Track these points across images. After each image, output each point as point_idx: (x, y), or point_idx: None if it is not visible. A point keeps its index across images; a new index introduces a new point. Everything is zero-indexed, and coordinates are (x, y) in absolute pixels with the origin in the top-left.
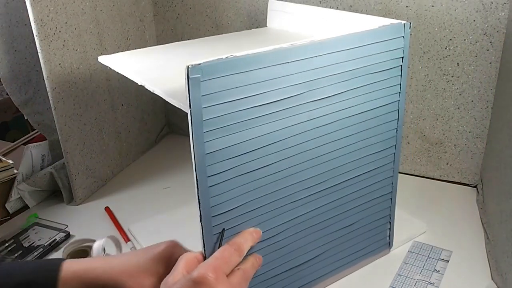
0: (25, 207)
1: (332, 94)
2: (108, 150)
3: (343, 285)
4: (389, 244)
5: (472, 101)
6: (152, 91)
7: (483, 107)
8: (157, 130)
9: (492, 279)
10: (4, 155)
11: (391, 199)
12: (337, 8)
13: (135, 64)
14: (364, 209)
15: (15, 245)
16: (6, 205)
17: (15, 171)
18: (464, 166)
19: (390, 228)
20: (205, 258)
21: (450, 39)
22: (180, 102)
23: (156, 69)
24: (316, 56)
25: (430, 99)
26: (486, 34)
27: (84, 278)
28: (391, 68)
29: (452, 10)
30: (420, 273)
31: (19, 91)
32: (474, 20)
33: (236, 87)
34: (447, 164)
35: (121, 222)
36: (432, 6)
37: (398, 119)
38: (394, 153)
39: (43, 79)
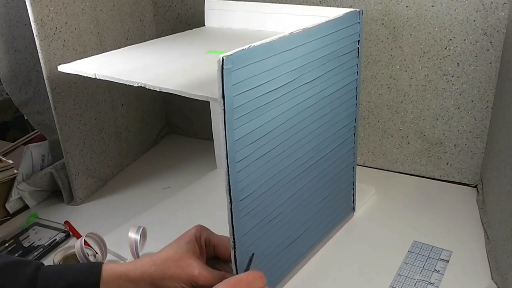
0: (25, 207)
1: (316, 77)
2: (108, 150)
3: (342, 284)
4: (353, 209)
5: (472, 101)
6: (159, 90)
7: (483, 107)
8: (157, 130)
9: (492, 279)
10: (4, 155)
11: (353, 167)
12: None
13: (112, 67)
14: (337, 179)
15: (15, 245)
16: (6, 205)
17: (15, 171)
18: (464, 166)
19: (353, 194)
20: (234, 244)
21: (450, 39)
22: (206, 94)
23: (139, 70)
24: (305, 43)
25: (430, 99)
26: (486, 34)
27: (129, 276)
28: (352, 51)
29: (452, 10)
30: (420, 273)
31: (19, 91)
32: (474, 20)
33: (255, 75)
34: (447, 164)
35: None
36: (432, 6)
37: (357, 95)
38: (355, 126)
39: (43, 79)
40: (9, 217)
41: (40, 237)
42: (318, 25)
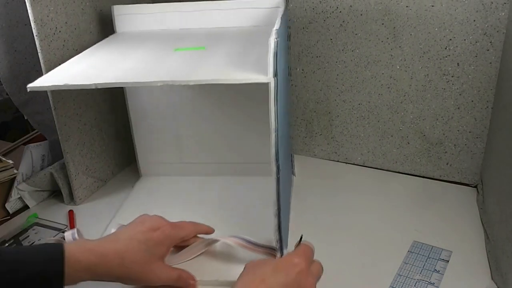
0: (25, 207)
1: (285, 57)
2: (108, 150)
3: (342, 284)
4: (294, 174)
5: (472, 101)
6: (193, 83)
7: (483, 107)
8: None
9: (492, 279)
10: (4, 155)
11: (290, 136)
12: (337, 8)
13: (103, 73)
14: (288, 149)
15: (15, 245)
16: (6, 205)
17: (15, 171)
18: (464, 166)
19: (292, 160)
20: (279, 212)
21: (450, 39)
22: (254, 77)
23: (138, 70)
24: (283, 29)
25: (430, 99)
26: (486, 34)
27: (95, 272)
28: (287, 35)
29: (452, 10)
30: (420, 273)
31: (19, 91)
32: (474, 20)
33: (280, 56)
34: (447, 164)
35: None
36: (432, 6)
37: (290, 72)
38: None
39: None
40: (9, 217)
41: (40, 237)
42: (284, 13)
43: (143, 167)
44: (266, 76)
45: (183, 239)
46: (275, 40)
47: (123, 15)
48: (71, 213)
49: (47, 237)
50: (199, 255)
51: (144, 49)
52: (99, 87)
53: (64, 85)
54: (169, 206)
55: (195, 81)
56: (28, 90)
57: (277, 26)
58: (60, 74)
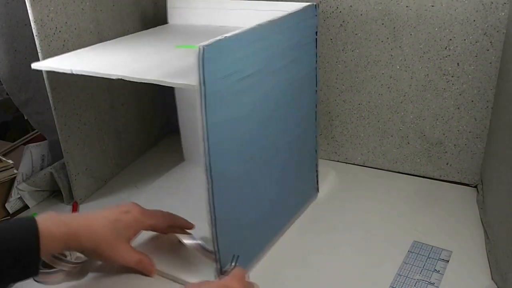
0: (25, 207)
1: (281, 65)
2: (108, 150)
3: (342, 284)
4: (317, 190)
5: (472, 101)
6: (138, 81)
7: (483, 107)
8: (157, 130)
9: (492, 279)
10: (4, 155)
11: (316, 150)
12: (337, 8)
13: (87, 63)
14: (302, 161)
15: None
16: (6, 205)
17: (15, 171)
18: (464, 166)
19: (317, 176)
20: (215, 222)
21: (450, 39)
22: (186, 82)
23: (116, 65)
24: (271, 34)
25: (430, 99)
26: (486, 34)
27: (67, 244)
28: (311, 41)
29: (452, 10)
30: (420, 273)
31: (19, 91)
32: (474, 20)
33: (229, 64)
34: (447, 164)
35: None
36: (432, 6)
37: (316, 82)
38: (316, 111)
39: (43, 79)
40: (9, 217)
41: None
42: (281, 18)
43: (186, 153)
44: (195, 83)
45: (152, 227)
46: (203, 47)
47: (174, 8)
48: (75, 204)
49: None
50: (167, 248)
51: (153, 45)
52: (74, 73)
53: (56, 68)
54: (186, 194)
55: (141, 80)
56: (32, 68)
57: (231, 33)
58: (62, 60)
